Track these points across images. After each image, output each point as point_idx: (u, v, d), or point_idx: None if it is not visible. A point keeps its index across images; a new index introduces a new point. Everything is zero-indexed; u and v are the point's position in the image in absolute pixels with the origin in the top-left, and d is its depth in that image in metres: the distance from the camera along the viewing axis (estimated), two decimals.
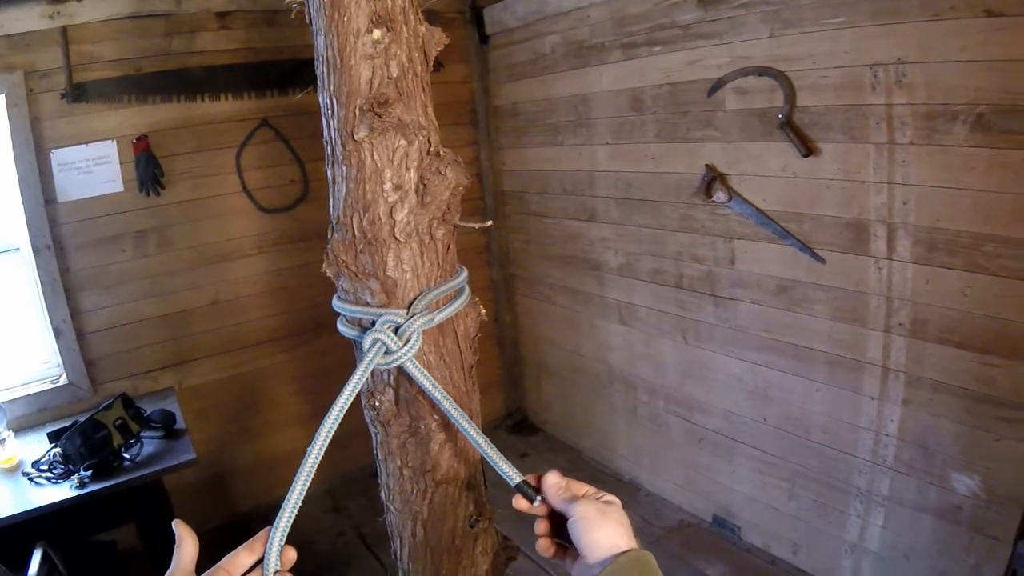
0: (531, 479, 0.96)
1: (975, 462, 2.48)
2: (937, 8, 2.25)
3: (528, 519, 0.97)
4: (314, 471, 0.94)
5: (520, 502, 0.95)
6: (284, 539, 0.89)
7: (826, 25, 2.57)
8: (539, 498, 0.93)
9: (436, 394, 1.07)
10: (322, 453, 0.96)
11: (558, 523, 0.94)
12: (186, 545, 0.87)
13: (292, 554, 0.90)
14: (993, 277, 2.30)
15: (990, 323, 2.34)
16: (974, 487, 2.49)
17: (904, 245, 2.52)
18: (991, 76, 2.18)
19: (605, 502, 0.91)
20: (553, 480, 0.95)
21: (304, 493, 0.92)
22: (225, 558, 0.88)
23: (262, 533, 0.90)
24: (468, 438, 1.04)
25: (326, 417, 0.97)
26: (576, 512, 0.88)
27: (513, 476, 0.96)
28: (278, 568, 0.88)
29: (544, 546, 0.95)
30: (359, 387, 1.03)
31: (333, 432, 0.97)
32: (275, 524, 0.89)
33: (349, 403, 1.01)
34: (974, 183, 2.28)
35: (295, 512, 0.91)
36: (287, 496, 0.91)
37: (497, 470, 0.98)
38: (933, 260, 2.45)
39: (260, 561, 0.89)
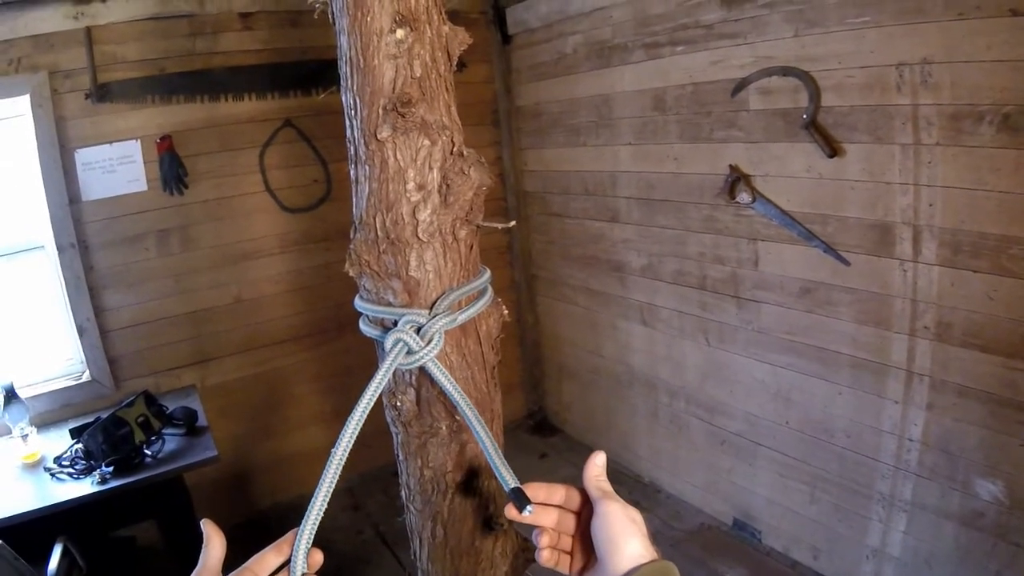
0: (529, 488, 0.92)
1: (998, 468, 2.45)
2: (962, 7, 2.23)
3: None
4: (339, 473, 0.93)
5: (511, 510, 0.90)
6: (311, 541, 0.88)
7: (850, 24, 2.55)
8: (529, 508, 0.89)
9: (454, 394, 1.06)
10: (346, 454, 0.95)
11: (566, 530, 0.93)
12: (213, 545, 0.87)
13: (319, 556, 0.89)
14: (1019, 280, 2.27)
15: (1015, 327, 2.31)
16: (997, 493, 2.46)
17: (930, 247, 2.49)
18: (1017, 76, 2.15)
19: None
20: (600, 461, 0.92)
21: (330, 495, 0.91)
22: (252, 559, 0.88)
23: (289, 534, 0.89)
24: (476, 438, 1.03)
25: (349, 418, 0.97)
26: (610, 510, 0.85)
27: (509, 481, 0.93)
28: (305, 571, 0.87)
29: (546, 556, 0.91)
30: (381, 388, 1.03)
31: (357, 433, 0.96)
32: (301, 526, 0.88)
33: (372, 404, 1.00)
34: (1000, 184, 2.26)
35: (321, 514, 0.89)
36: (313, 498, 0.90)
37: (496, 473, 0.96)
38: (958, 263, 2.43)
39: (287, 563, 0.88)
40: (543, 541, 0.91)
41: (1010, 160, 2.21)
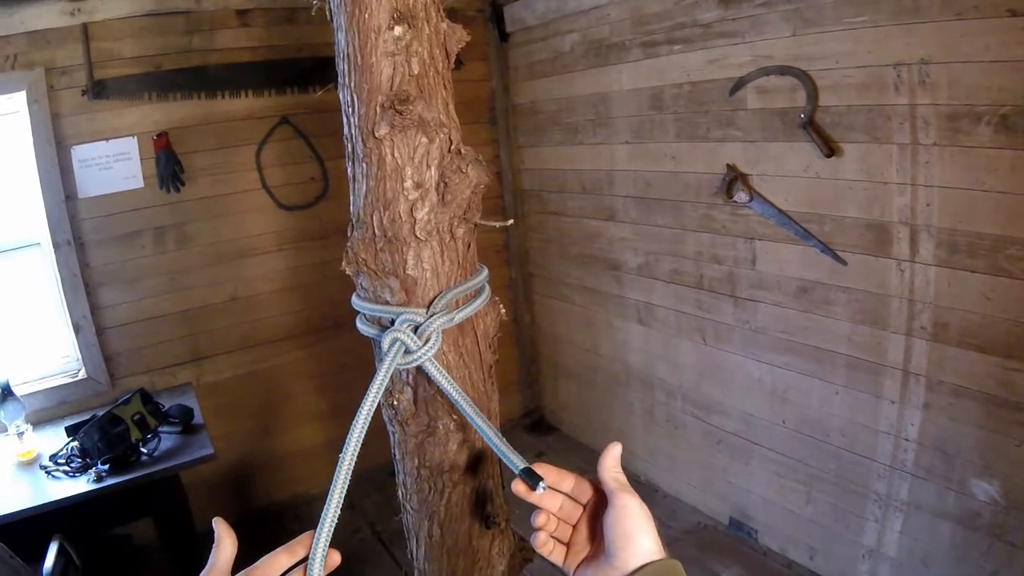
0: (539, 468, 0.90)
1: (994, 467, 2.45)
2: (960, 7, 2.23)
3: None
4: (349, 476, 0.94)
5: (519, 486, 0.88)
6: (328, 544, 0.87)
7: (848, 24, 2.55)
8: (542, 486, 0.87)
9: (453, 394, 1.05)
10: (355, 458, 0.94)
11: (568, 519, 0.91)
12: (224, 545, 0.86)
13: (336, 558, 0.88)
14: (1016, 280, 2.27)
15: (1012, 327, 2.31)
16: (993, 493, 2.46)
17: (927, 247, 2.49)
18: (1015, 76, 2.15)
19: None
20: (616, 452, 0.91)
21: (343, 497, 0.91)
22: (263, 559, 0.87)
23: (304, 537, 0.88)
24: (479, 431, 1.02)
25: (354, 422, 0.96)
26: (628, 503, 0.83)
27: (518, 463, 0.91)
28: (322, 572, 0.86)
29: (542, 540, 0.89)
30: (383, 389, 1.02)
31: (363, 437, 0.96)
32: (318, 529, 0.88)
33: (375, 406, 0.99)
34: (997, 185, 2.26)
35: (336, 517, 0.89)
36: (327, 501, 0.90)
37: (504, 459, 0.95)
38: (955, 263, 2.43)
39: (298, 564, 0.87)
40: (539, 520, 0.89)
41: (1007, 161, 2.21)
